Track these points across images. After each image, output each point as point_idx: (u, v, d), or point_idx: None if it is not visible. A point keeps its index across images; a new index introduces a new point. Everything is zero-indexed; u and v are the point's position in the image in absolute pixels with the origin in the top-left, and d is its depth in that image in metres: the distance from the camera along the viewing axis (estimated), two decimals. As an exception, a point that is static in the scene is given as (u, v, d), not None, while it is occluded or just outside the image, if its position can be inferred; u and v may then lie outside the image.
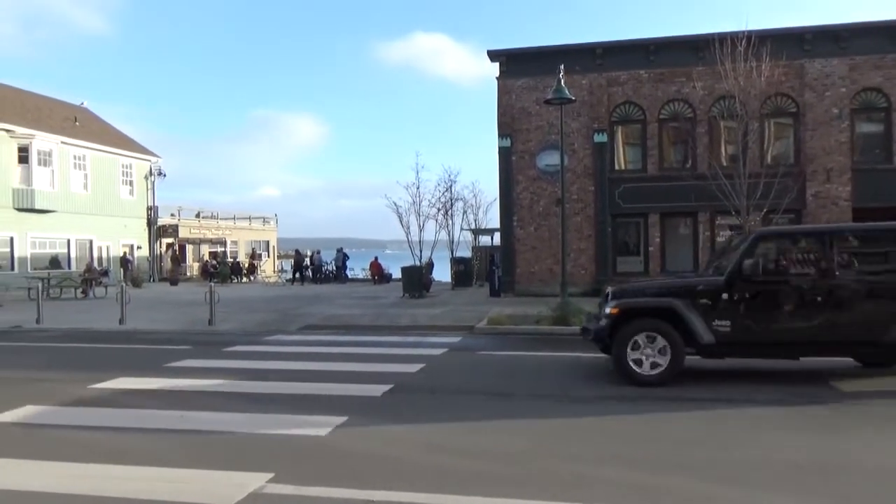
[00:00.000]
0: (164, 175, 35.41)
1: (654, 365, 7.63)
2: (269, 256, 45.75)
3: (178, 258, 36.92)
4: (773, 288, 7.61)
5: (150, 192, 34.61)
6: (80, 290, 23.71)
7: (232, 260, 37.71)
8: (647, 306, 7.89)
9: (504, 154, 21.09)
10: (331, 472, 4.77)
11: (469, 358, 10.31)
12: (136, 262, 32.01)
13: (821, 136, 19.16)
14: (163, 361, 9.81)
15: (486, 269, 25.24)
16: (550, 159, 20.23)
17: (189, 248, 39.57)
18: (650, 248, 20.32)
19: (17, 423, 6.29)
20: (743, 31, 13.77)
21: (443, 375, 8.29)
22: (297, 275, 33.45)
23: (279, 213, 55.58)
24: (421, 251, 23.69)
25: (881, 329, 7.27)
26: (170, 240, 37.05)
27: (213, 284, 16.17)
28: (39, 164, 27.33)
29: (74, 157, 29.58)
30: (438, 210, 25.86)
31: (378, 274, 32.33)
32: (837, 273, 7.53)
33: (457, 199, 27.24)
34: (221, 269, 34.19)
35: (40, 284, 16.97)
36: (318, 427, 5.93)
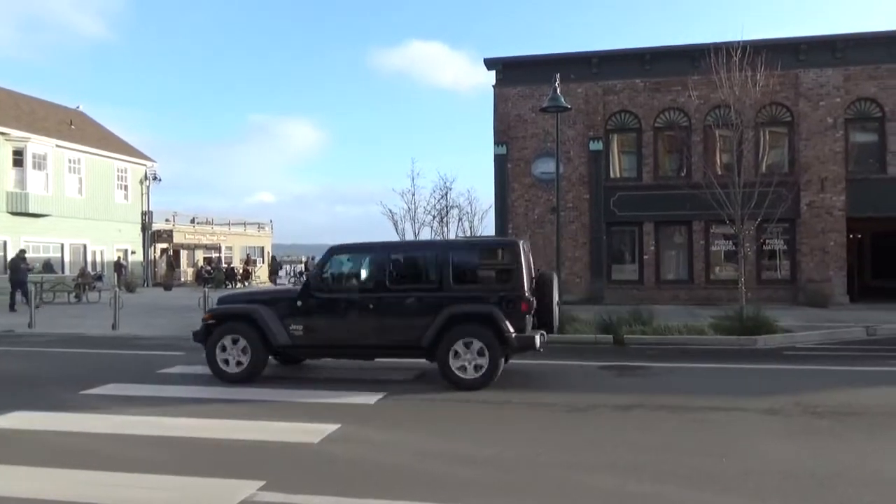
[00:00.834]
0: (160, 179, 35.41)
1: (238, 363, 8.50)
2: (263, 262, 45.67)
3: (173, 263, 36.82)
4: (337, 297, 8.63)
5: (145, 196, 34.55)
6: (74, 294, 23.59)
7: (226, 266, 37.63)
8: (231, 312, 8.88)
9: (500, 161, 21.12)
10: (323, 480, 4.73)
11: (463, 365, 10.26)
12: (129, 266, 31.91)
13: (815, 145, 19.26)
14: (155, 367, 9.76)
15: (481, 277, 25.18)
16: (546, 167, 20.27)
17: (183, 254, 39.48)
18: (645, 257, 20.35)
19: (6, 428, 6.23)
20: (738, 41, 13.81)
21: (437, 383, 8.25)
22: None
23: (275, 219, 55.66)
24: (416, 258, 23.66)
25: (420, 335, 8.10)
26: (164, 245, 36.96)
27: (206, 290, 16.10)
28: (34, 167, 27.25)
29: (69, 161, 29.50)
30: (434, 217, 25.84)
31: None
32: (389, 286, 8.48)
33: (452, 206, 27.17)
34: (216, 275, 34.10)
35: (33, 289, 16.88)
36: (310, 434, 5.89)
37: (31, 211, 26.99)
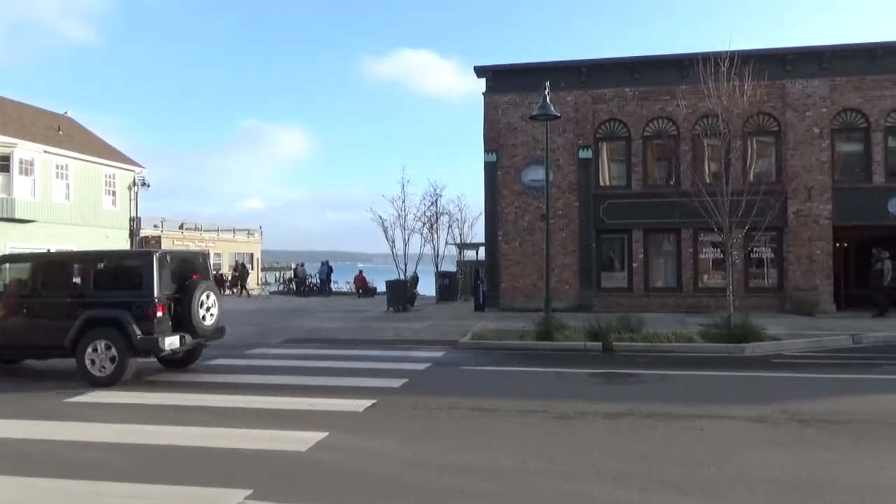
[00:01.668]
0: (148, 186, 35.13)
1: None
2: (252, 269, 45.45)
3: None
4: (3, 302, 9.75)
5: (133, 202, 34.30)
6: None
7: (215, 272, 37.37)
8: None
9: (490, 169, 21.16)
10: (310, 489, 4.71)
11: (453, 373, 10.27)
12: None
13: (802, 155, 19.43)
14: (142, 375, 9.68)
15: (470, 284, 25.24)
16: (536, 175, 20.32)
17: (172, 260, 39.17)
18: (634, 264, 20.42)
19: (-11, 437, 6.16)
20: (726, 51, 13.94)
21: (426, 391, 8.24)
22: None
23: (265, 225, 55.46)
24: (406, 265, 23.66)
25: (65, 336, 9.02)
26: (152, 251, 36.71)
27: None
28: (21, 173, 27.02)
29: (57, 167, 29.28)
30: (424, 224, 25.88)
31: (363, 287, 32.21)
32: (42, 292, 9.56)
33: (442, 213, 27.30)
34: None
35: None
36: (299, 443, 5.86)
37: (17, 217, 26.73)
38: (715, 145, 16.33)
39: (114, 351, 8.90)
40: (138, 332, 8.90)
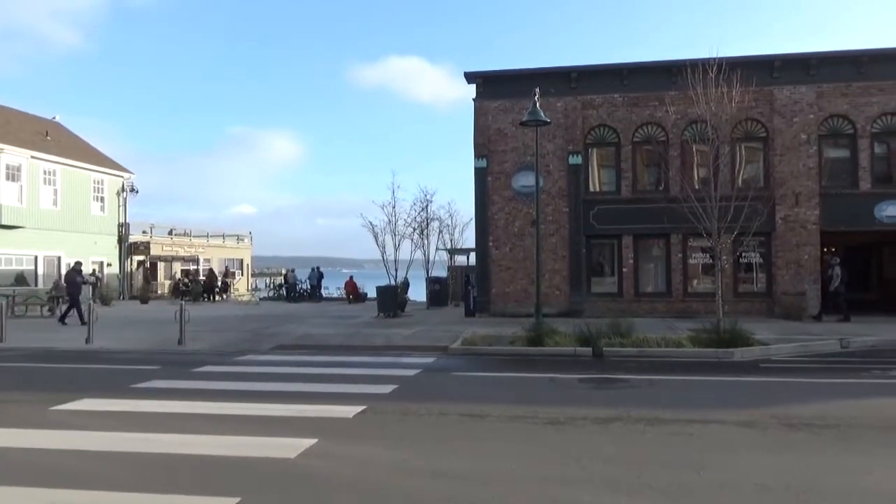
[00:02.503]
0: (137, 191, 34.98)
1: None
2: (242, 275, 45.24)
3: (149, 276, 36.33)
4: None
5: (121, 208, 34.11)
6: (47, 308, 23.16)
7: (204, 278, 37.18)
8: None
9: (480, 175, 21.20)
10: (299, 496, 4.67)
11: (443, 379, 10.25)
12: (105, 279, 31.42)
13: (789, 160, 19.59)
14: (129, 382, 9.59)
15: (461, 289, 25.23)
16: (526, 180, 20.38)
17: (161, 266, 38.96)
18: (624, 270, 20.50)
19: (-27, 445, 6.08)
20: (714, 58, 14.05)
21: (416, 397, 8.22)
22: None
23: (255, 231, 55.15)
24: (396, 270, 23.62)
25: None
26: (141, 257, 36.46)
27: (183, 303, 15.85)
28: (8, 178, 26.83)
29: (44, 172, 29.08)
30: (414, 230, 25.84)
31: (353, 293, 32.11)
32: None
33: (433, 219, 27.26)
34: (193, 288, 33.69)
35: (4, 302, 16.52)
36: (287, 449, 5.82)
37: (3, 223, 26.52)
38: (704, 151, 16.45)
39: None
40: None
